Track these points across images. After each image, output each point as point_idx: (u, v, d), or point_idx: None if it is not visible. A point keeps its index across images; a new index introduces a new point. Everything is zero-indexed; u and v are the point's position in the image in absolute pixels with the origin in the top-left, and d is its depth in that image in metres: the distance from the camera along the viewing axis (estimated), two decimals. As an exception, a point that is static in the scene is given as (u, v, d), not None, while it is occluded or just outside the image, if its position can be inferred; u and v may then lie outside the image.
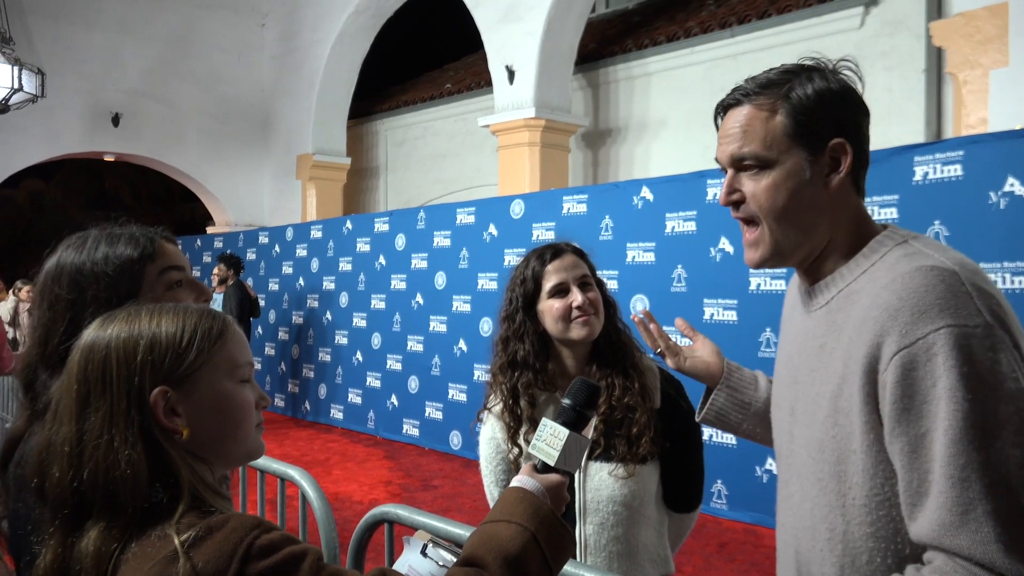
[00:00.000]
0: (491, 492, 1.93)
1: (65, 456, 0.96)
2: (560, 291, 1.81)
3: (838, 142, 1.16)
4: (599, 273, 1.93)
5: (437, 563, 1.28)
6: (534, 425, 1.82)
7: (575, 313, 1.80)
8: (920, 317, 1.03)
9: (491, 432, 1.90)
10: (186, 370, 1.01)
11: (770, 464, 4.84)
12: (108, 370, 0.98)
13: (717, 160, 1.25)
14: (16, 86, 8.88)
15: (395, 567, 1.25)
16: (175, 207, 21.02)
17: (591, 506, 1.76)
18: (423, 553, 1.31)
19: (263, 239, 10.05)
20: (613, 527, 1.75)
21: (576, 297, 1.80)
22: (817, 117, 1.16)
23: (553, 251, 1.87)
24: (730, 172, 1.23)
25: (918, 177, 4.33)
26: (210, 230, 12.77)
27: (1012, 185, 4.00)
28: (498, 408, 1.88)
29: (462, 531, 1.66)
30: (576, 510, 1.77)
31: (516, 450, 1.84)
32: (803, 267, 1.26)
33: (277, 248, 9.74)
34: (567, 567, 1.50)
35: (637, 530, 1.77)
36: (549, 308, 1.81)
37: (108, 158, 12.33)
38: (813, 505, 1.19)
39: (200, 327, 1.04)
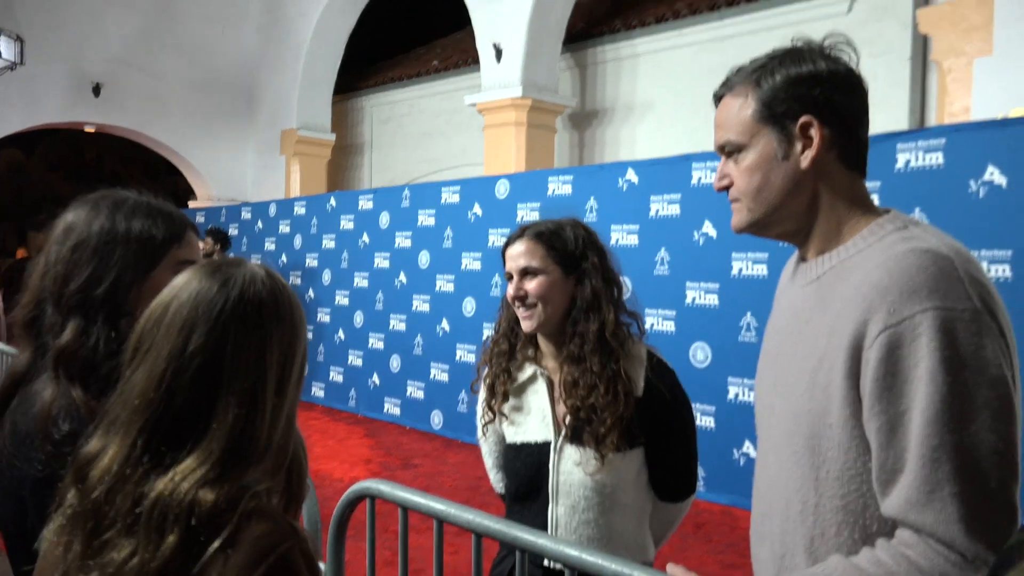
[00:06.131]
0: (486, 459, 2.01)
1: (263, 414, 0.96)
2: (510, 277, 1.82)
3: (806, 120, 1.19)
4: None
5: None
6: (505, 397, 1.86)
7: (517, 303, 1.80)
8: (909, 297, 1.04)
9: (483, 395, 1.94)
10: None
11: (747, 447, 4.90)
12: (296, 337, 1.01)
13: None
14: (-6, 53, 8.71)
15: None
16: (158, 180, 20.78)
17: (563, 488, 1.75)
18: None
19: (246, 214, 9.96)
20: (584, 511, 1.73)
21: (509, 288, 1.80)
22: (782, 98, 1.19)
23: (511, 236, 1.87)
24: (722, 159, 1.28)
25: (900, 165, 4.36)
26: (192, 204, 12.63)
27: (992, 174, 4.04)
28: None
29: (442, 507, 1.66)
30: (549, 490, 1.76)
31: (490, 415, 1.90)
32: (794, 241, 1.29)
33: (260, 224, 9.66)
34: (547, 543, 1.47)
35: (611, 516, 1.75)
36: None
37: (89, 129, 12.14)
38: (788, 477, 1.21)
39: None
